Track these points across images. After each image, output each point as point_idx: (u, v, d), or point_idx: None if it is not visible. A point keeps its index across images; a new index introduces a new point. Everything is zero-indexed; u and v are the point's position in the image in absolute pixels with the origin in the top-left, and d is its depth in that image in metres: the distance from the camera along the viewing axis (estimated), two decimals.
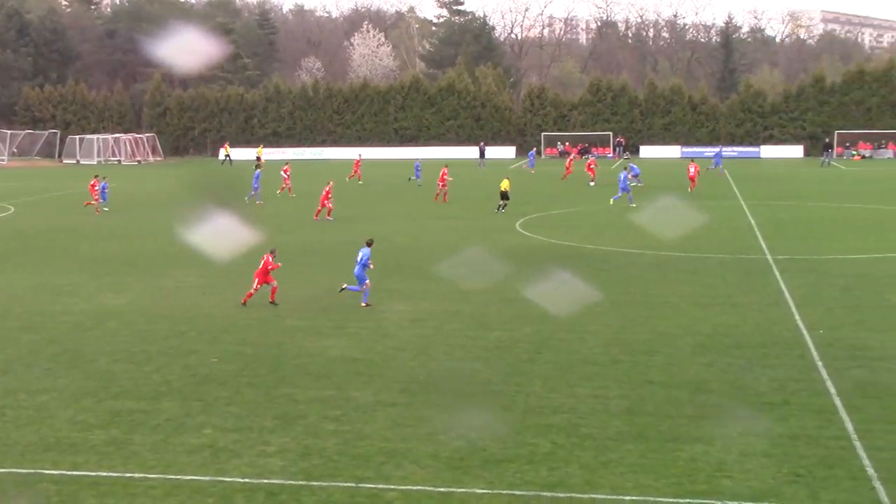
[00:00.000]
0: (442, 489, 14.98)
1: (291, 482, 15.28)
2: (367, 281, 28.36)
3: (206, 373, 21.40)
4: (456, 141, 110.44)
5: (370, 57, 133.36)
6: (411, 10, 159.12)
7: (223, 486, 15.16)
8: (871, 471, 15.37)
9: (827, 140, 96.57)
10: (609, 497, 14.59)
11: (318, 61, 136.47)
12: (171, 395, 19.86)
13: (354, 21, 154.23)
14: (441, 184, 56.99)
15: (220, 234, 37.59)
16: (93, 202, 53.66)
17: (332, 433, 17.43)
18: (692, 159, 69.81)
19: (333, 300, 28.80)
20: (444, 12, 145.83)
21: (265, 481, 15.32)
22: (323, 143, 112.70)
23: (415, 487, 15.04)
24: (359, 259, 28.19)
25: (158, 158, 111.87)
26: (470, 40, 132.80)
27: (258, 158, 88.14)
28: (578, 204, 55.45)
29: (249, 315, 27.11)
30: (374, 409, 18.73)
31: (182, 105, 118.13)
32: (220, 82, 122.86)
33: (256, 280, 28.23)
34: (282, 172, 61.36)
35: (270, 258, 28.32)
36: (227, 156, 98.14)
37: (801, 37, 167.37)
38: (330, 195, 48.65)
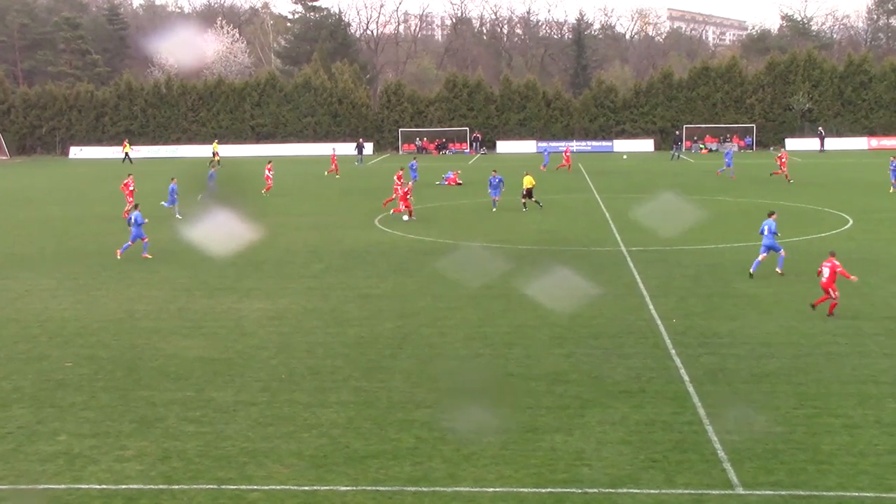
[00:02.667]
0: (305, 488, 14.89)
1: (151, 487, 14.96)
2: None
3: (60, 378, 20.79)
4: (313, 138, 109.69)
5: (224, 53, 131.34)
6: (266, 5, 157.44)
7: (79, 494, 14.76)
8: (721, 453, 15.89)
9: (677, 133, 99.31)
10: (471, 490, 14.71)
11: (171, 57, 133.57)
12: (23, 401, 19.23)
13: (208, 17, 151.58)
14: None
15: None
16: None
17: (192, 435, 17.14)
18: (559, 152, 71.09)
19: (190, 301, 28.32)
20: (299, 8, 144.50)
21: (123, 487, 14.97)
22: (178, 142, 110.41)
23: (278, 487, 14.91)
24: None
25: (4, 157, 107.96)
26: (325, 36, 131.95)
27: (214, 155, 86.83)
28: (437, 200, 55.70)
29: (103, 318, 26.43)
30: (235, 409, 18.50)
31: (28, 102, 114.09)
32: (69, 79, 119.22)
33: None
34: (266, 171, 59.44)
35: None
36: (127, 154, 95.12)
37: (650, 34, 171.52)
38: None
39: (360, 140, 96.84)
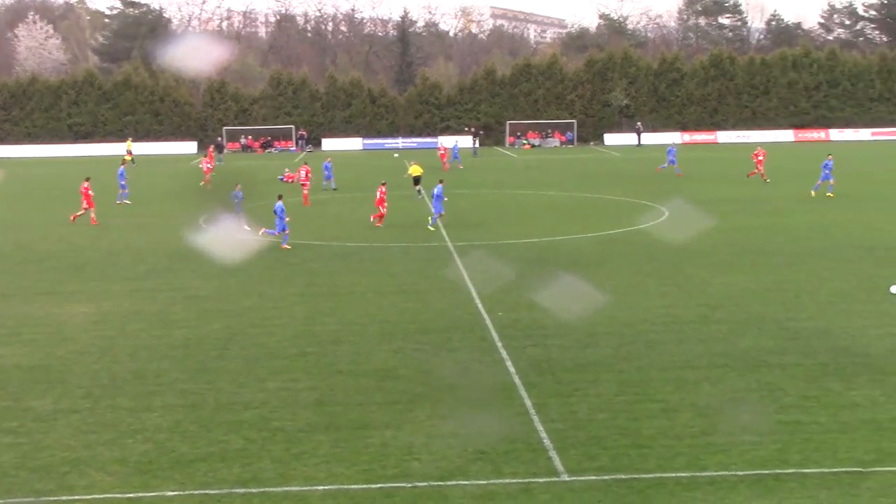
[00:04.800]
0: (130, 495, 14.51)
1: None
2: None
3: None
4: (134, 136, 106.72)
5: (37, 50, 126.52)
6: (81, 0, 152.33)
7: None
8: (547, 442, 16.23)
9: (469, 129, 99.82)
10: (302, 489, 14.61)
11: None
12: None
13: (18, 11, 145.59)
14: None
15: None
16: None
17: (9, 446, 16.47)
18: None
19: (6, 307, 27.22)
20: (118, 3, 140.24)
21: None
22: None
23: (101, 496, 14.48)
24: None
25: None
26: (146, 33, 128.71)
27: (128, 154, 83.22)
28: (267, 198, 55.00)
29: None
30: (55, 418, 17.87)
31: None
32: None
33: None
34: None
35: None
36: None
37: (473, 31, 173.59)
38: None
39: (219, 139, 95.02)
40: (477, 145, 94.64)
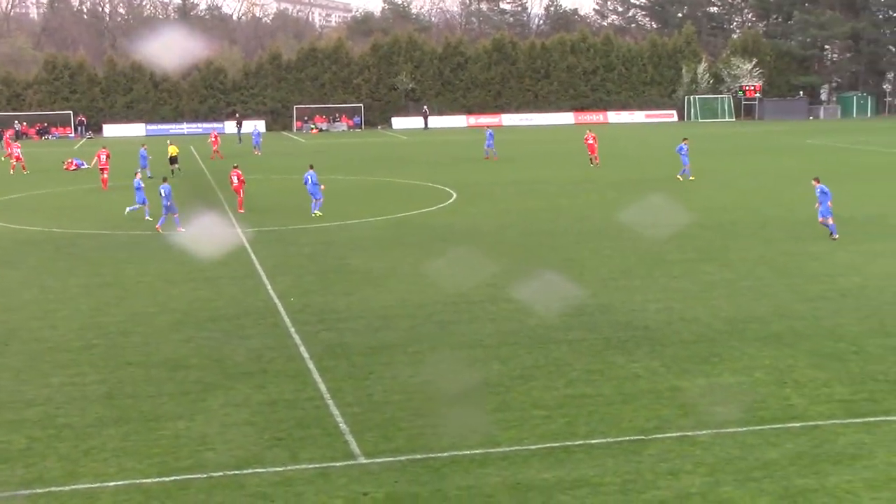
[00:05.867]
0: None
1: None
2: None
3: None
4: None
5: None
6: None
7: None
8: (343, 426, 16.25)
9: (238, 116, 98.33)
10: (91, 486, 14.14)
11: None
12: None
13: None
14: None
15: None
16: None
17: None
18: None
19: None
20: None
21: None
22: None
23: None
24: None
25: None
26: None
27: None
28: (40, 187, 52.84)
29: None
30: None
31: None
32: None
33: None
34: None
35: None
36: None
37: (257, 15, 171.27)
38: None
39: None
40: (241, 132, 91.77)
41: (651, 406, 16.97)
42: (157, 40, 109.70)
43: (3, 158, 66.29)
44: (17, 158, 60.72)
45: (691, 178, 49.47)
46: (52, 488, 14.08)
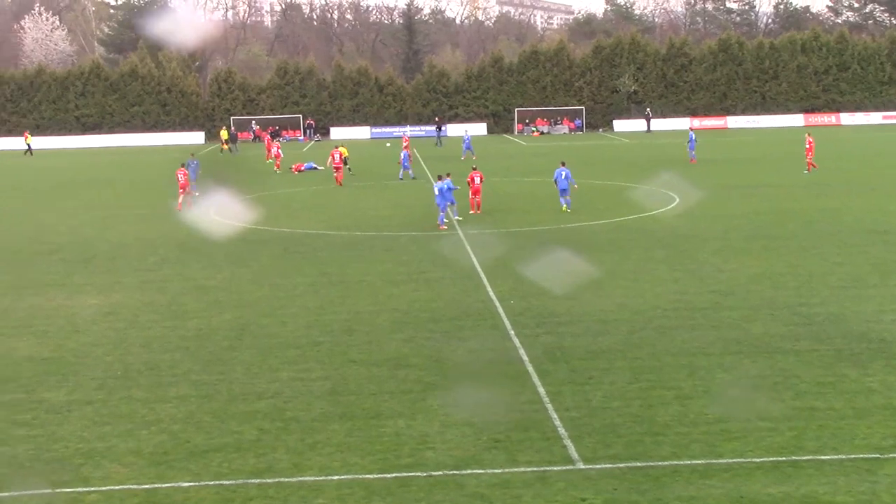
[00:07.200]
0: (146, 486, 14.52)
1: None
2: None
3: None
4: (142, 128, 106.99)
5: (44, 41, 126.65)
6: None
7: None
8: (562, 430, 16.20)
9: (437, 119, 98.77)
10: (317, 479, 14.62)
11: None
12: None
13: (24, 4, 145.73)
14: None
15: None
16: None
17: (23, 439, 16.52)
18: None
19: (17, 300, 27.27)
20: None
21: None
22: None
23: (116, 487, 14.50)
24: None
25: None
26: (151, 23, 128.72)
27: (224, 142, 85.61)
28: (271, 188, 55.11)
29: None
30: (69, 409, 17.90)
31: None
32: None
33: None
34: None
35: None
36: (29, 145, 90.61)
37: (479, 18, 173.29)
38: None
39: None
40: (442, 135, 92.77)
41: (887, 423, 16.16)
42: (381, 46, 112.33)
43: (267, 161, 69.38)
44: (277, 157, 65.09)
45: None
46: (282, 479, 14.63)
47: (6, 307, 26.43)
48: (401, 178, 56.29)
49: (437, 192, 37.75)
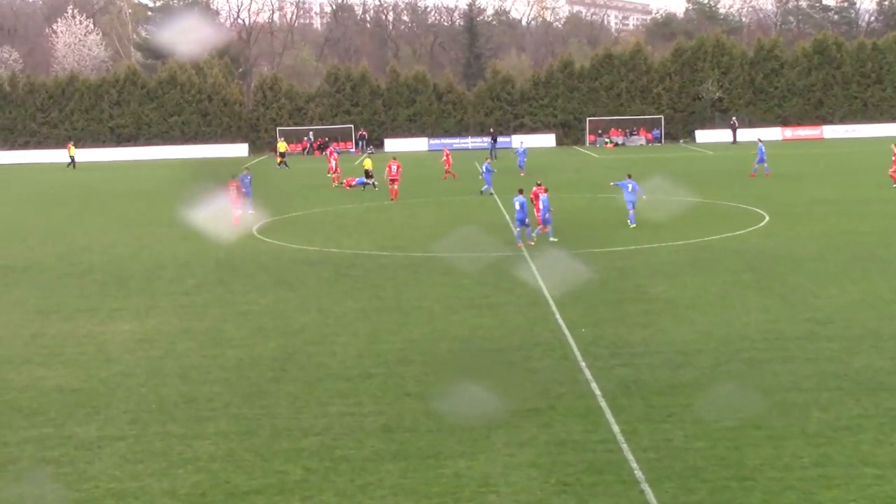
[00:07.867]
0: None
1: None
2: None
3: None
4: (181, 139, 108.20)
5: (77, 46, 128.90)
6: None
7: None
8: (638, 473, 16.03)
9: (492, 131, 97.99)
10: None
11: (15, 51, 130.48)
12: None
13: (56, 6, 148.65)
14: None
15: None
16: None
17: (51, 477, 16.67)
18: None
19: (45, 325, 27.62)
20: None
21: None
22: (26, 146, 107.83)
23: None
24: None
25: None
26: (191, 27, 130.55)
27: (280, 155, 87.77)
28: (321, 205, 55.44)
29: None
30: (100, 446, 18.06)
31: None
32: None
33: None
34: None
35: None
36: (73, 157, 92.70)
37: (548, 19, 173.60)
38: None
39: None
40: (496, 147, 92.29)
41: None
42: (440, 49, 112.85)
43: (328, 175, 68.36)
44: (336, 170, 66.22)
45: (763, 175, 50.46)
46: None
47: (34, 333, 26.78)
48: (482, 192, 56.29)
49: (517, 208, 37.94)
